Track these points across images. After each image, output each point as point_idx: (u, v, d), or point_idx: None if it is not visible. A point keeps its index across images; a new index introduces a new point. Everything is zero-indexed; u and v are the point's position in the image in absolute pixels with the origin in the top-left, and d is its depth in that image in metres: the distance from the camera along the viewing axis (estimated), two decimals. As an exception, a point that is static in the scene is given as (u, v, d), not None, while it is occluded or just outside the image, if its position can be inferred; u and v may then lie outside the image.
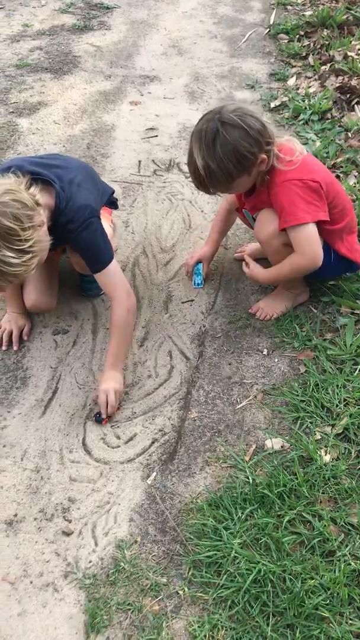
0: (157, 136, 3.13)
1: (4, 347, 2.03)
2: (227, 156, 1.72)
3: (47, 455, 1.72)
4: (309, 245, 1.83)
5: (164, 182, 2.81)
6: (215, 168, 1.74)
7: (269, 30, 4.26)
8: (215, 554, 1.46)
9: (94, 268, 1.86)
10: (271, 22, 4.37)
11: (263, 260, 2.10)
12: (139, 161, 2.94)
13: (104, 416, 1.79)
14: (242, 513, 1.53)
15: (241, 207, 2.12)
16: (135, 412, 1.83)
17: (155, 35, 4.26)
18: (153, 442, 1.75)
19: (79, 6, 4.66)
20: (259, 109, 3.36)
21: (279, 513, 1.53)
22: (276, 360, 1.96)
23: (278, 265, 1.94)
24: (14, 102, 3.39)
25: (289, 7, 4.63)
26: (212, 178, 1.78)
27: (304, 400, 1.81)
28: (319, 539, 1.47)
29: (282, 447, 1.72)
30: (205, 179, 1.79)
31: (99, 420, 1.80)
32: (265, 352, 1.99)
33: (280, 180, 1.82)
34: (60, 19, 4.43)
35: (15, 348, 2.03)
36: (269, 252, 2.00)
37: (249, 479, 1.62)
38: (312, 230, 1.82)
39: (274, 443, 1.72)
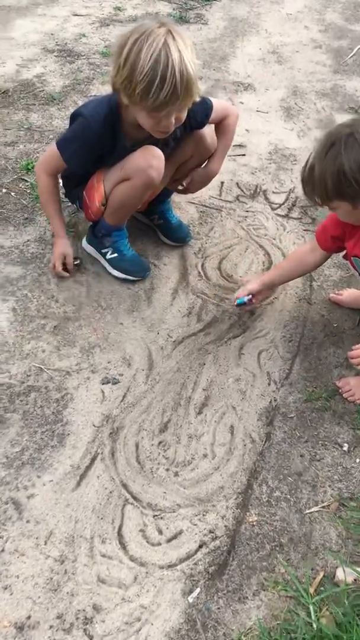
0: (244, 155, 2.82)
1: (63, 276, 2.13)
2: (329, 170, 1.54)
3: (75, 541, 1.45)
4: None
5: (247, 212, 2.49)
6: (317, 175, 1.57)
7: (380, 47, 3.87)
8: None
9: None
10: (383, 37, 3.97)
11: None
12: (222, 182, 2.62)
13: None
14: (301, 671, 1.24)
15: (350, 254, 1.81)
16: (183, 502, 1.55)
17: (254, 37, 3.91)
18: (200, 547, 1.47)
19: (176, -6, 4.34)
20: None
21: None
22: (358, 460, 1.65)
23: None
24: (94, 95, 3.12)
25: None
26: (309, 184, 1.63)
27: (387, 523, 1.50)
28: None
29: (355, 580, 1.42)
30: (306, 177, 1.63)
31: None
32: (345, 448, 1.68)
33: None
34: (155, 6, 4.13)
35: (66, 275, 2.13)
36: None
37: (311, 619, 1.32)
38: None
39: (347, 575, 1.42)
